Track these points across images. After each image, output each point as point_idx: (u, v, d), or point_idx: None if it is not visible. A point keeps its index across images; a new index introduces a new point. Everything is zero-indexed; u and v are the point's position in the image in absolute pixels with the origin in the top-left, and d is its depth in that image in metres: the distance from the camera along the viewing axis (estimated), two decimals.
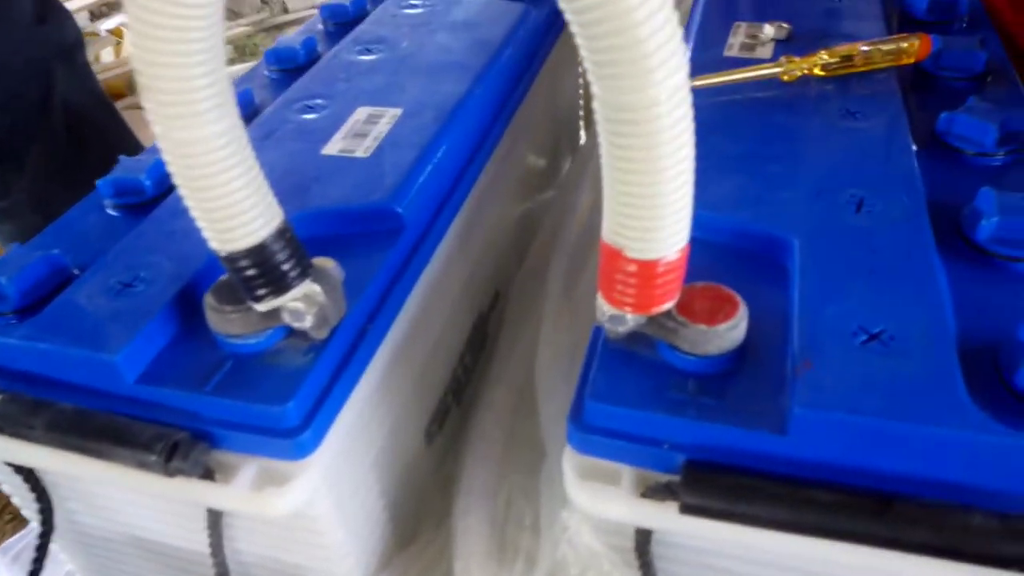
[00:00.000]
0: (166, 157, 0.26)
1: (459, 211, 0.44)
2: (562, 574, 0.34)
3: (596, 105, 0.23)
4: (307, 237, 0.31)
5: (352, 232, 0.38)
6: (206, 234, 0.28)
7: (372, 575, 0.38)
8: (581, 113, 0.79)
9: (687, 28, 0.55)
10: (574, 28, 0.22)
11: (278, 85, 0.53)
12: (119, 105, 1.68)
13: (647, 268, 0.26)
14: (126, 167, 0.42)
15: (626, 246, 0.26)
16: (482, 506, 0.40)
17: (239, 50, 2.20)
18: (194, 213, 0.27)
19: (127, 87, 1.75)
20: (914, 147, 0.39)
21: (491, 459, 0.42)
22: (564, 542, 0.33)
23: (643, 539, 0.31)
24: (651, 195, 0.24)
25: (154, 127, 0.25)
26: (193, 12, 0.23)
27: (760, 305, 0.31)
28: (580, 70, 0.78)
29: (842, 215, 0.35)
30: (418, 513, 0.43)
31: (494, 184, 0.51)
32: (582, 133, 0.81)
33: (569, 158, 0.77)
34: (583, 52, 0.22)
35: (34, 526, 0.47)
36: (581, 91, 0.77)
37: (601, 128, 0.24)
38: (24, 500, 0.38)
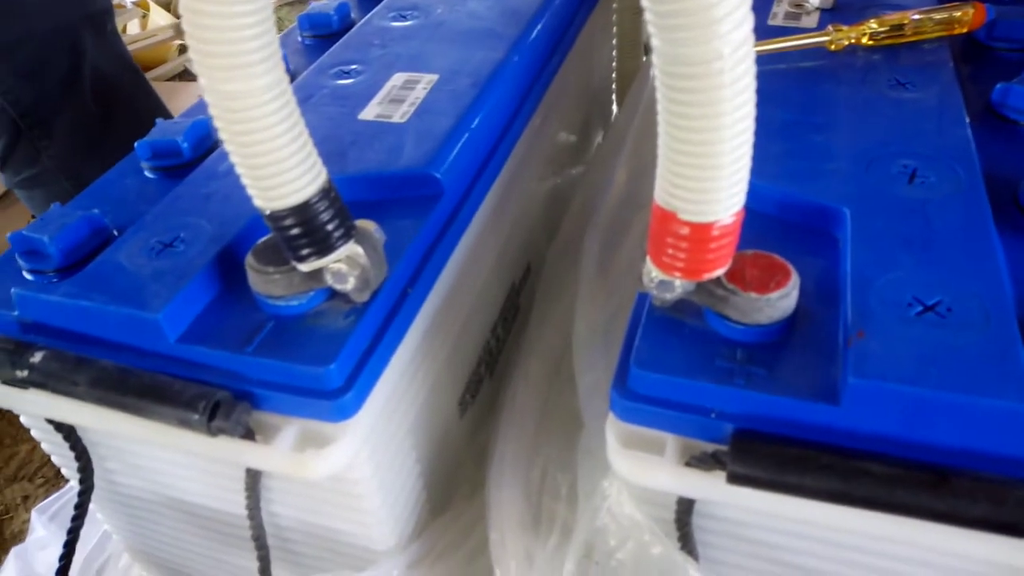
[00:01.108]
0: (212, 111, 0.25)
1: (495, 180, 0.44)
2: (599, 544, 0.34)
3: (655, 59, 0.23)
4: (345, 202, 0.31)
5: (390, 197, 0.38)
6: (251, 191, 0.27)
7: (406, 542, 0.38)
8: (614, 87, 0.78)
9: None
10: None
11: (312, 51, 0.53)
12: (151, 75, 1.68)
13: (701, 231, 0.25)
14: (163, 130, 0.42)
15: (680, 208, 0.25)
16: (517, 477, 0.39)
17: None
18: (240, 170, 0.27)
19: (156, 58, 1.75)
20: (967, 119, 0.38)
21: (525, 430, 0.42)
22: (604, 511, 0.32)
23: (684, 509, 0.31)
24: (709, 154, 0.23)
25: (200, 79, 0.25)
26: None
27: (810, 275, 0.30)
28: (614, 43, 0.76)
29: (894, 186, 0.34)
30: (451, 483, 0.43)
31: (528, 156, 0.51)
32: (614, 108, 0.80)
33: (601, 133, 0.76)
34: (644, 2, 0.21)
35: (68, 487, 0.48)
36: (615, 64, 0.76)
37: (659, 83, 0.23)
38: (64, 459, 0.38)
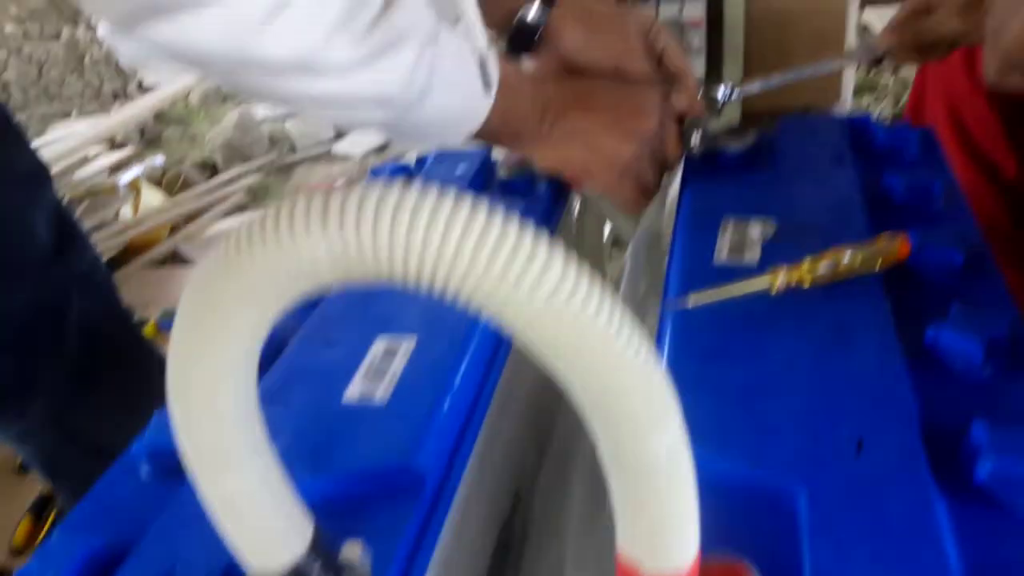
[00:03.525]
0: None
1: (475, 442, 0.46)
2: None
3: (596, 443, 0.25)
4: (327, 498, 0.35)
5: (371, 491, 0.40)
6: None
7: None
8: None
9: (675, 227, 0.58)
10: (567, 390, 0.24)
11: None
12: (142, 260, 1.73)
13: None
14: (159, 427, 0.44)
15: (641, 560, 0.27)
16: None
17: (251, 194, 2.29)
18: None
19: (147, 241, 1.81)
20: (905, 361, 0.41)
21: None
22: None
23: None
24: (656, 531, 0.26)
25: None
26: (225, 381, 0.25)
27: (769, 562, 0.32)
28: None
29: (843, 460, 0.36)
30: None
31: (507, 399, 0.53)
32: None
33: None
34: (581, 410, 0.24)
35: None
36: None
37: (603, 457, 0.25)
38: None
